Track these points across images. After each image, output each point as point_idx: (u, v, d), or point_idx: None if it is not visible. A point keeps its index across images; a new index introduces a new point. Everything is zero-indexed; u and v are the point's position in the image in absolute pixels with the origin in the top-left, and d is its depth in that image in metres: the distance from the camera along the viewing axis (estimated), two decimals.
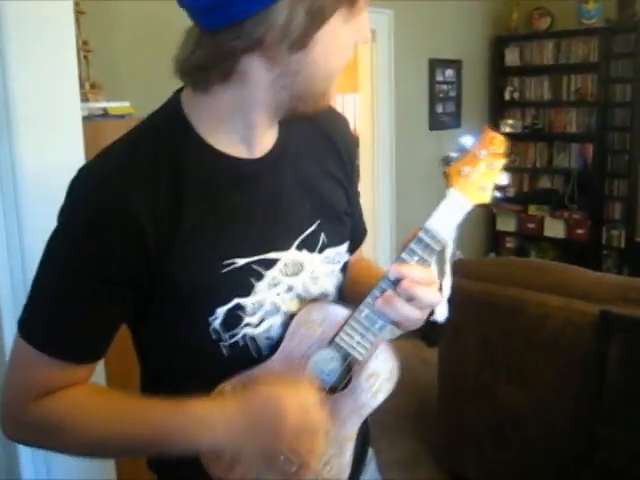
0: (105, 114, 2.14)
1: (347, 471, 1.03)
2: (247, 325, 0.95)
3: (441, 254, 0.97)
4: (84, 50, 2.21)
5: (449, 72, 5.16)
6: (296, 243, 0.99)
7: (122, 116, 2.16)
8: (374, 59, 4.48)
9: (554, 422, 2.41)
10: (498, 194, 1.00)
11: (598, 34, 5.10)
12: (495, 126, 5.63)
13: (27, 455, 1.88)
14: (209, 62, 0.86)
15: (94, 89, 2.20)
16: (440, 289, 0.98)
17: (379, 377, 1.02)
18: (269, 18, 0.81)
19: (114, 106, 2.15)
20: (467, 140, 0.99)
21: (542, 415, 2.44)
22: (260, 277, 0.95)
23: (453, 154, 0.99)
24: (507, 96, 5.63)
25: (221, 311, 0.92)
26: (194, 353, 0.96)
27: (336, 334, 0.98)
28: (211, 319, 0.92)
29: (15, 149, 1.71)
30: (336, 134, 1.10)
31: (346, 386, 1.00)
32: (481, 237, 5.78)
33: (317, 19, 0.83)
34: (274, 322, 0.98)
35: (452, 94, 5.24)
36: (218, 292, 0.92)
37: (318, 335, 0.98)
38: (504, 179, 0.99)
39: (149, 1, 2.88)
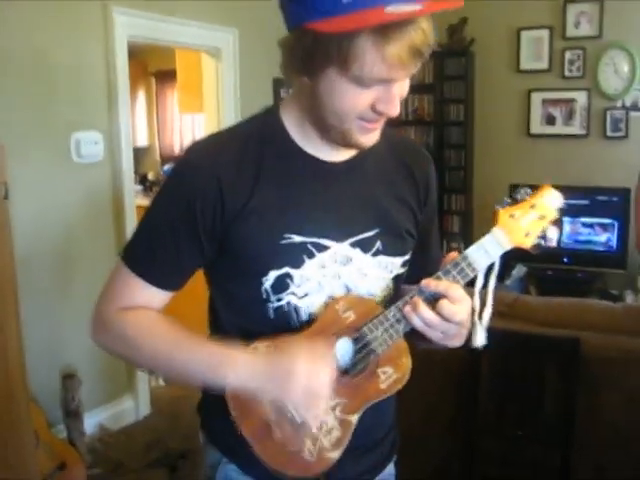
0: None
1: (339, 450, 1.13)
2: (292, 294, 1.11)
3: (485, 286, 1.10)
4: None
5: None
6: (350, 240, 1.14)
7: None
8: (219, 78, 4.40)
9: (427, 438, 2.44)
10: (542, 242, 1.10)
11: (432, 57, 5.30)
12: None
13: None
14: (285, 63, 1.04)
15: None
16: (480, 317, 1.11)
17: (391, 374, 1.13)
18: (295, 38, 0.98)
19: None
20: (525, 191, 1.10)
21: (415, 431, 2.46)
22: (312, 256, 1.11)
23: (508, 199, 1.10)
24: None
25: (273, 274, 1.09)
26: (247, 309, 1.14)
27: (364, 324, 1.10)
28: (264, 279, 1.10)
29: None
30: (417, 169, 1.24)
31: (360, 373, 1.12)
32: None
33: (308, 64, 0.98)
34: (317, 300, 1.13)
35: None
36: (274, 258, 1.09)
37: (350, 321, 1.11)
38: (552, 232, 1.10)
39: None
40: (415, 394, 2.43)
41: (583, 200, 4.70)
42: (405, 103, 5.54)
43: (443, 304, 1.05)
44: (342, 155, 1.14)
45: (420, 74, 5.42)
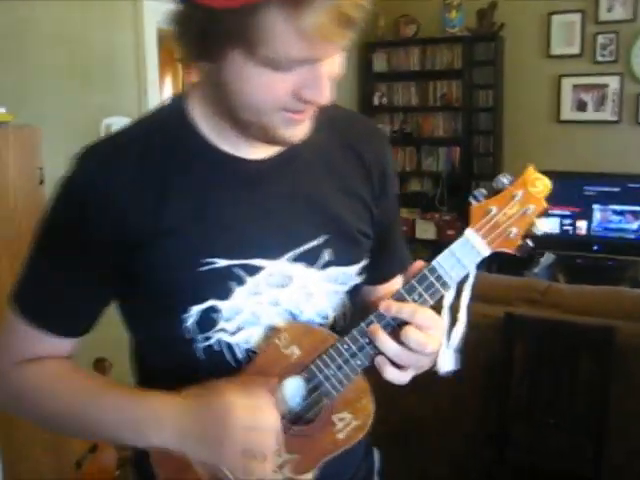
0: None
1: None
2: (222, 330, 0.91)
3: (456, 300, 0.89)
4: None
5: None
6: (289, 254, 0.93)
7: None
8: None
9: (459, 426, 2.44)
10: (531, 243, 0.87)
11: (461, 42, 5.30)
12: None
13: None
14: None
15: None
16: (448, 337, 0.91)
17: (350, 421, 0.92)
18: (186, 12, 0.76)
19: None
20: (505, 178, 0.87)
21: (448, 420, 2.46)
22: (241, 282, 0.90)
23: (484, 190, 0.88)
24: (376, 101, 5.73)
25: (196, 310, 0.89)
26: (170, 350, 0.94)
27: (313, 361, 0.90)
28: (185, 316, 0.89)
29: None
30: (369, 152, 1.02)
31: (312, 421, 0.92)
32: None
33: (205, 47, 0.77)
34: (254, 333, 0.93)
35: None
36: (194, 290, 0.89)
37: (295, 358, 0.91)
38: (543, 225, 0.87)
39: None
40: (445, 383, 2.43)
41: (614, 187, 4.63)
42: (433, 89, 5.50)
43: (409, 333, 0.85)
44: (269, 149, 0.92)
45: (449, 59, 5.37)
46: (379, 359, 0.88)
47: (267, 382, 0.89)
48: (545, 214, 0.88)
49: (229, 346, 0.92)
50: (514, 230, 0.87)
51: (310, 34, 0.71)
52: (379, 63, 5.65)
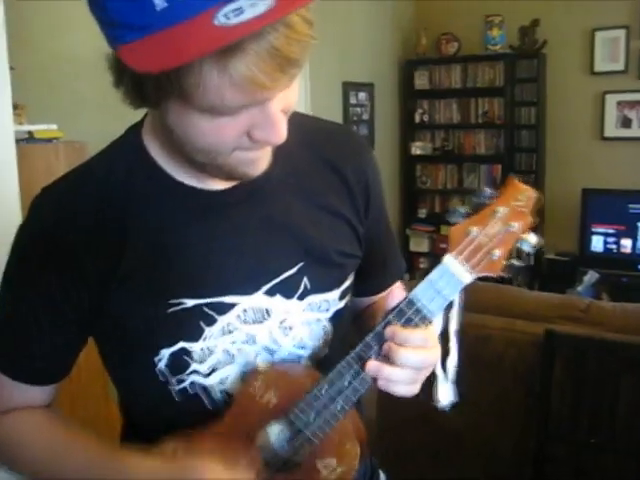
0: (30, 137, 1.98)
1: None
2: (195, 372, 0.87)
3: (445, 334, 0.84)
4: None
5: (362, 95, 5.21)
6: (266, 288, 0.88)
7: (49, 140, 2.01)
8: None
9: (498, 444, 2.41)
10: (517, 263, 0.80)
11: (503, 59, 5.29)
12: (406, 148, 5.73)
13: None
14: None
15: (16, 110, 2.03)
16: (444, 368, 0.86)
17: (335, 467, 0.86)
18: (118, 62, 0.70)
19: (41, 129, 1.99)
20: (486, 193, 0.81)
21: (486, 437, 2.44)
22: (212, 322, 0.86)
23: (462, 209, 0.81)
24: (417, 119, 5.74)
25: (166, 353, 0.85)
26: (146, 393, 0.91)
27: (291, 407, 0.85)
28: (156, 359, 0.86)
29: None
30: (346, 165, 0.95)
31: (298, 465, 0.86)
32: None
33: (142, 96, 0.71)
34: (230, 373, 0.89)
35: (365, 117, 5.29)
36: (162, 332, 0.85)
37: (273, 405, 0.86)
38: (532, 241, 0.79)
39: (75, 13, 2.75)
40: (485, 399, 2.42)
41: None
42: (475, 106, 5.49)
43: (409, 356, 0.81)
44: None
45: (490, 77, 5.36)
46: (382, 383, 0.82)
47: (251, 429, 0.86)
48: (534, 229, 0.81)
49: (204, 389, 0.88)
50: (497, 252, 0.79)
51: (244, 83, 0.65)
52: (421, 81, 5.67)
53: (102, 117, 3.24)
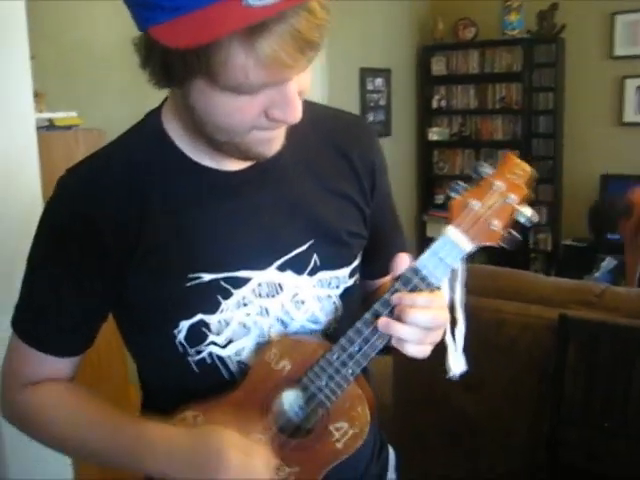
0: (51, 125, 2.01)
1: None
2: (213, 343, 0.92)
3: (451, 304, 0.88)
4: None
5: (379, 81, 5.21)
6: (277, 263, 0.93)
7: (69, 127, 2.04)
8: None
9: (512, 427, 2.43)
10: (516, 234, 0.85)
11: (521, 44, 5.26)
12: (423, 134, 5.73)
13: None
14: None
15: (37, 98, 2.07)
16: (453, 337, 0.90)
17: (347, 430, 0.91)
18: (147, 43, 0.75)
19: (60, 116, 2.03)
20: (484, 167, 0.83)
21: (499, 421, 2.46)
22: (228, 295, 0.91)
23: (462, 183, 0.84)
24: (435, 104, 5.73)
25: (185, 325, 0.90)
26: (166, 366, 0.95)
27: (305, 373, 0.90)
28: (175, 331, 0.90)
29: None
30: (355, 150, 1.01)
31: (310, 430, 0.92)
32: (412, 244, 5.84)
33: (168, 76, 0.76)
34: (245, 345, 0.94)
35: (382, 103, 5.29)
36: (182, 305, 0.90)
37: (287, 371, 0.91)
38: (527, 214, 0.84)
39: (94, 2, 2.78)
40: (498, 384, 2.43)
41: None
42: (492, 91, 5.47)
43: (417, 315, 0.84)
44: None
45: (508, 62, 5.34)
46: (394, 341, 0.86)
47: (267, 396, 0.91)
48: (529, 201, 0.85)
49: (221, 359, 0.93)
50: (495, 222, 0.84)
51: (267, 62, 0.70)
52: (438, 67, 5.65)
53: (121, 104, 3.28)
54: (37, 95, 2.09)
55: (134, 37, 0.76)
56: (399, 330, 0.84)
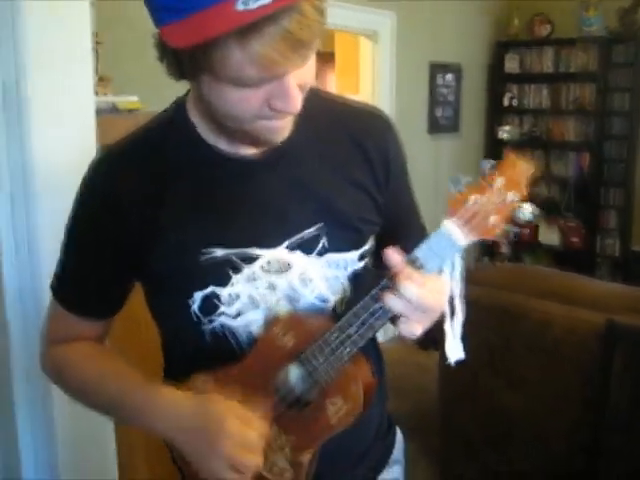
0: (114, 109, 2.10)
1: None
2: (223, 314, 0.99)
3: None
4: (94, 42, 2.17)
5: (449, 76, 5.16)
6: (287, 243, 0.99)
7: (130, 111, 2.13)
8: (376, 61, 4.48)
9: (554, 430, 2.40)
10: (514, 229, 0.88)
11: (598, 43, 5.12)
12: (493, 132, 5.65)
13: (29, 455, 1.85)
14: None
15: (102, 82, 2.16)
16: (452, 326, 0.94)
17: (341, 406, 0.96)
18: (160, 41, 0.83)
19: (123, 100, 2.11)
20: (485, 164, 0.86)
21: (541, 423, 2.44)
22: (238, 270, 0.98)
23: (464, 177, 0.87)
24: (506, 102, 5.64)
25: (198, 296, 0.98)
26: (183, 332, 1.03)
27: (305, 350, 0.96)
28: (190, 301, 0.98)
29: (26, 144, 1.68)
30: (370, 142, 1.05)
31: (307, 405, 0.98)
32: (475, 242, 5.77)
33: (180, 70, 0.84)
34: (254, 318, 1.00)
35: (451, 98, 5.24)
36: (195, 278, 0.98)
37: (290, 346, 0.97)
38: (527, 210, 0.86)
39: None
40: (541, 388, 2.41)
41: None
42: (566, 92, 5.34)
43: (408, 288, 0.86)
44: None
45: (583, 61, 5.20)
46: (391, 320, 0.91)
47: (271, 368, 0.97)
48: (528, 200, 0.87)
49: (231, 330, 1.00)
50: (493, 219, 0.86)
51: (260, 60, 0.76)
52: (511, 64, 5.55)
53: (182, 91, 3.37)
54: (102, 79, 2.18)
55: (154, 33, 0.83)
56: (391, 300, 0.88)
